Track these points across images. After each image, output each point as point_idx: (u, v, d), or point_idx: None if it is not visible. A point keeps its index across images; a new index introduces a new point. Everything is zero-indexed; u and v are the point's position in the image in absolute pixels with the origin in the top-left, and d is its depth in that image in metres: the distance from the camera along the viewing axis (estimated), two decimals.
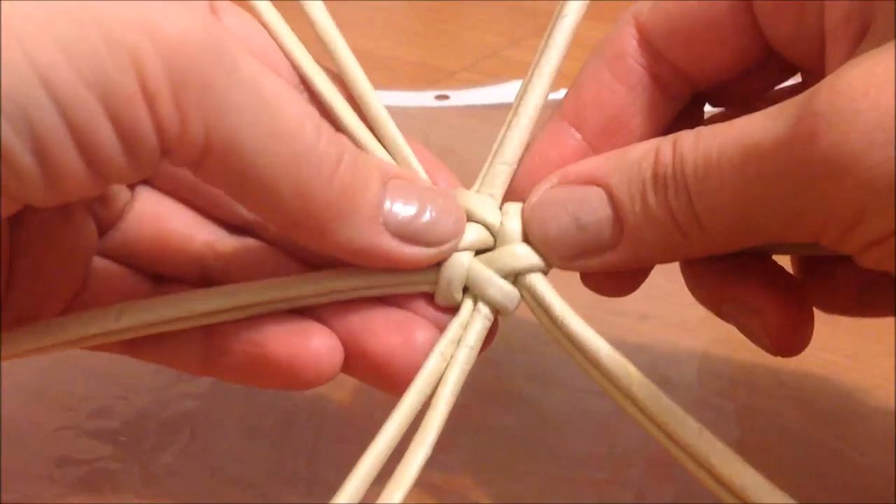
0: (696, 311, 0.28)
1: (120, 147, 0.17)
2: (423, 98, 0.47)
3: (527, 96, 0.23)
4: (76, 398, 0.30)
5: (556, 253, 0.22)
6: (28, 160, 0.17)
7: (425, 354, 0.21)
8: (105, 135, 0.17)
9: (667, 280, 0.24)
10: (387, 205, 0.21)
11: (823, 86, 0.17)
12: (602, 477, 0.27)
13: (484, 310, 0.22)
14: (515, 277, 0.22)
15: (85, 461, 0.28)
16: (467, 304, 0.22)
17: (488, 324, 0.22)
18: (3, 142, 0.16)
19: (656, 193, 0.20)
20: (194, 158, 0.18)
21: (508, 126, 0.23)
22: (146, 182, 0.24)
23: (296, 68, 0.23)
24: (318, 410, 0.29)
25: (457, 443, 0.28)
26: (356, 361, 0.22)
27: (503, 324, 0.23)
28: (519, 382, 0.31)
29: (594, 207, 0.21)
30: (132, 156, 0.18)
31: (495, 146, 0.23)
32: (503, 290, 0.22)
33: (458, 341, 0.22)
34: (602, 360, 0.21)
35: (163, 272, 0.24)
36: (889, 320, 0.23)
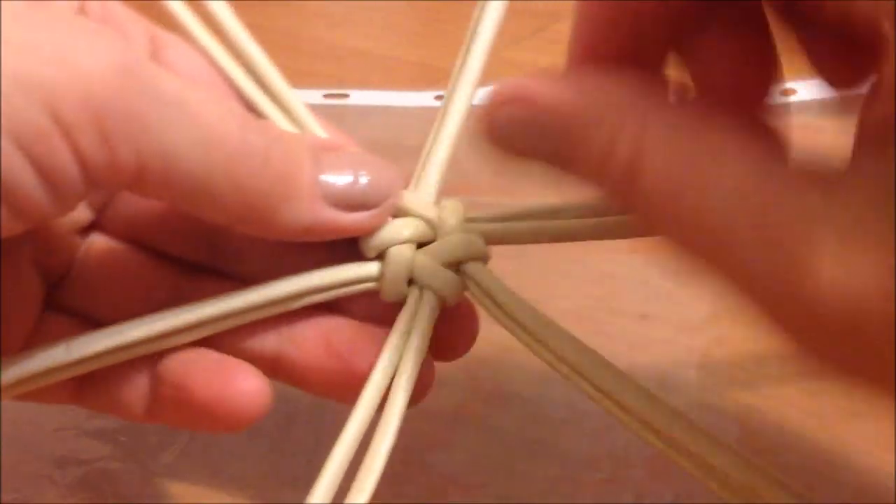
0: (696, 312, 0.28)
1: (40, 184, 0.18)
2: (423, 98, 0.47)
3: (454, 97, 0.24)
4: None
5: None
6: None
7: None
8: (22, 174, 0.17)
9: (667, 280, 0.24)
10: (322, 178, 0.21)
11: None
12: (602, 477, 0.27)
13: (431, 299, 0.22)
14: (458, 267, 0.23)
15: (85, 461, 0.28)
16: (413, 295, 0.23)
17: (435, 313, 0.22)
18: None
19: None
20: (129, 181, 0.19)
21: (438, 128, 0.24)
22: (98, 228, 0.24)
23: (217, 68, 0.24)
24: (318, 411, 0.29)
25: (457, 443, 0.28)
26: (338, 378, 0.22)
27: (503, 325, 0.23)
28: (519, 382, 0.31)
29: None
30: (54, 192, 0.18)
31: (426, 147, 0.24)
32: (448, 278, 0.23)
33: (409, 332, 0.22)
34: (550, 341, 0.21)
35: (118, 319, 0.23)
36: None
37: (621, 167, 0.16)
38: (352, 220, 0.22)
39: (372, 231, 0.22)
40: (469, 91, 0.24)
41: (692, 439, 0.19)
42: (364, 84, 0.48)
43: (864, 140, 0.16)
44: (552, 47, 0.49)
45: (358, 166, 0.22)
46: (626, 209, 0.17)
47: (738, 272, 0.15)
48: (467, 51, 0.24)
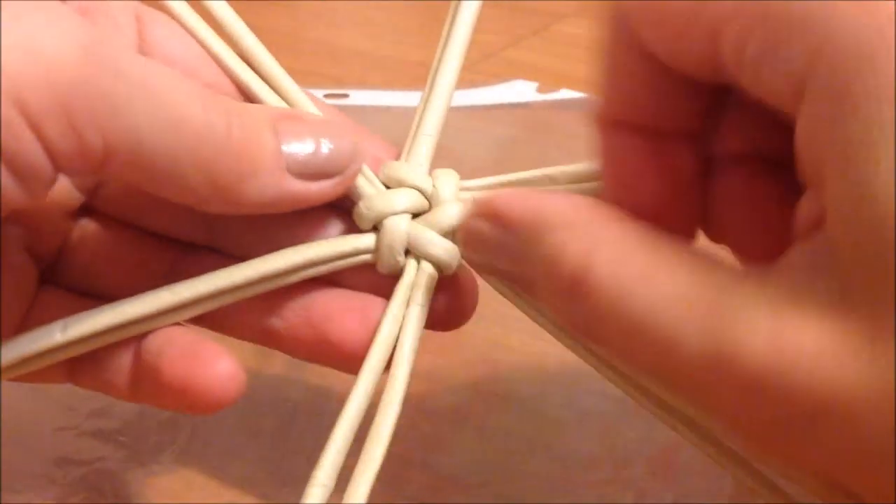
0: None
1: (7, 174, 0.18)
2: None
3: (442, 68, 0.24)
4: (76, 398, 0.29)
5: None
6: None
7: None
8: None
9: None
10: (284, 149, 0.21)
11: None
12: (602, 477, 0.27)
13: (428, 269, 0.22)
14: (454, 236, 0.23)
15: (85, 461, 0.28)
16: (411, 265, 0.23)
17: (433, 283, 0.22)
18: None
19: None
20: (97, 166, 0.19)
21: (427, 99, 0.24)
22: (91, 209, 0.24)
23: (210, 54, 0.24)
24: (318, 410, 0.29)
25: (457, 443, 0.28)
26: (317, 348, 0.23)
27: (504, 325, 0.23)
28: (519, 382, 0.31)
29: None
30: (22, 181, 0.18)
31: (416, 119, 0.24)
32: (445, 247, 0.23)
33: (408, 302, 0.22)
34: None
35: (116, 296, 0.23)
36: None
37: (568, 278, 0.17)
38: (317, 188, 0.22)
39: (338, 197, 0.22)
40: (458, 60, 0.24)
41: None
42: (364, 84, 0.48)
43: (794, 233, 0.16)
44: (552, 47, 0.49)
45: (319, 133, 0.22)
46: (570, 322, 0.17)
47: (684, 370, 0.15)
48: (455, 17, 0.24)
